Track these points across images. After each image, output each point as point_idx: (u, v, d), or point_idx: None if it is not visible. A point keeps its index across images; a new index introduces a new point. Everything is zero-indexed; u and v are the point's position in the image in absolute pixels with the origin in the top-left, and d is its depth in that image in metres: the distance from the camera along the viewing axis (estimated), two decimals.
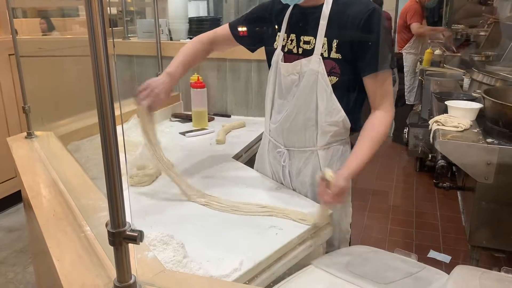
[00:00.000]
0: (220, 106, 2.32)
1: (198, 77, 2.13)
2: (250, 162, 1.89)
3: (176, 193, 1.37)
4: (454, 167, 2.26)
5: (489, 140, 1.77)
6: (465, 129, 1.86)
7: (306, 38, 1.30)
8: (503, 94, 2.05)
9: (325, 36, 1.26)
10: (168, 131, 2.03)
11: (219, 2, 3.88)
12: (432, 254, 2.32)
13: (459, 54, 3.33)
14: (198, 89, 2.07)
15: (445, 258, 2.27)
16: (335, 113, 1.31)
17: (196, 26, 2.45)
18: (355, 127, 1.38)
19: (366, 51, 1.24)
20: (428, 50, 3.35)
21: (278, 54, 1.38)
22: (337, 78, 1.27)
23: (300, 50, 1.32)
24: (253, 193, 1.36)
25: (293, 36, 1.33)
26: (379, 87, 1.29)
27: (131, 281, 0.72)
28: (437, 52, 3.40)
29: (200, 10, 2.85)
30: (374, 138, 1.27)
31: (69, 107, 1.89)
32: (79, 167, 1.29)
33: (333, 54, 1.26)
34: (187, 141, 1.91)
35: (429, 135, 1.95)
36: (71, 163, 1.33)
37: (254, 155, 1.98)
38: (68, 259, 0.86)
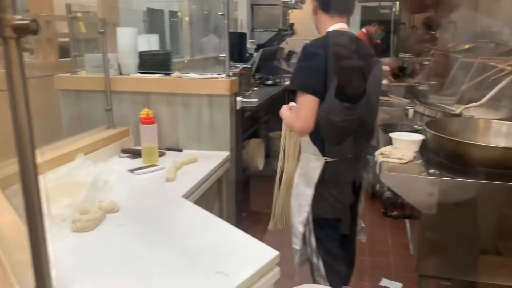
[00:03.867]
0: (172, 140, 2.30)
1: (147, 112, 2.10)
2: (201, 199, 1.88)
3: (121, 239, 1.33)
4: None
5: (431, 171, 1.84)
6: (408, 161, 1.93)
7: None
8: (443, 125, 2.15)
9: None
10: (116, 168, 1.98)
11: (172, 35, 3.89)
12: (384, 282, 2.36)
13: (405, 83, 3.48)
14: (148, 125, 2.05)
15: (397, 286, 2.31)
16: None
17: (147, 60, 2.44)
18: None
19: None
20: None
21: None
22: None
23: None
24: (199, 235, 1.35)
25: None
26: None
27: None
28: (385, 82, 3.53)
29: (151, 43, 2.84)
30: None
31: (9, 147, 1.81)
32: (15, 214, 1.23)
33: None
34: (136, 179, 1.87)
35: (376, 167, 2.01)
36: (7, 210, 1.27)
37: (206, 191, 1.97)
38: None
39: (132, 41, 2.43)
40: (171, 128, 2.28)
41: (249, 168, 3.53)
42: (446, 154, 1.92)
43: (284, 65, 5.23)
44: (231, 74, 2.30)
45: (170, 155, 2.19)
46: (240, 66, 3.96)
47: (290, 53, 6.29)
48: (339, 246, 1.85)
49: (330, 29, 1.78)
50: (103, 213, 1.45)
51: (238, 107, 3.05)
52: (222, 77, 2.25)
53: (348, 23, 1.82)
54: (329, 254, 1.83)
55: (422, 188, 1.75)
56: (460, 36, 4.34)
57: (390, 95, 3.31)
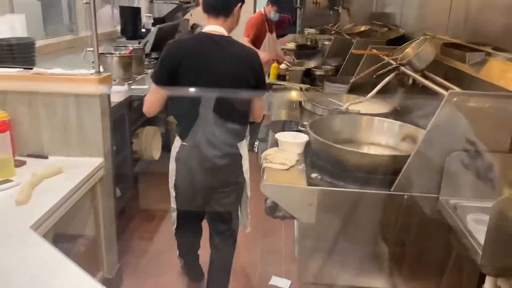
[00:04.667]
0: (34, 146, 2.00)
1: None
2: (66, 219, 1.66)
3: None
4: None
5: (313, 175, 1.79)
6: (291, 166, 1.86)
7: None
8: (328, 123, 2.11)
9: None
10: None
11: (48, 17, 3.43)
12: (273, 280, 2.34)
13: (302, 68, 3.42)
14: None
15: (286, 283, 2.29)
16: None
17: (2, 51, 2.09)
18: None
19: None
20: (274, 65, 3.38)
21: None
22: None
23: None
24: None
25: None
26: None
27: None
28: (283, 66, 3.45)
29: (16, 28, 2.43)
30: None
31: None
32: None
33: None
34: None
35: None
36: None
37: (72, 208, 1.74)
38: None
39: None
40: (33, 132, 1.99)
41: (143, 158, 3.31)
42: (327, 158, 1.88)
43: None
44: (102, 69, 2.04)
45: (32, 164, 1.91)
46: (131, 46, 3.65)
47: (195, 26, 5.99)
48: (183, 218, 2.11)
49: (205, 29, 1.87)
50: None
51: (124, 97, 2.80)
52: (91, 74, 1.98)
53: (226, 25, 1.88)
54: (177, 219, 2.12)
55: (301, 198, 1.69)
56: (357, 16, 4.37)
57: (287, 80, 3.25)
